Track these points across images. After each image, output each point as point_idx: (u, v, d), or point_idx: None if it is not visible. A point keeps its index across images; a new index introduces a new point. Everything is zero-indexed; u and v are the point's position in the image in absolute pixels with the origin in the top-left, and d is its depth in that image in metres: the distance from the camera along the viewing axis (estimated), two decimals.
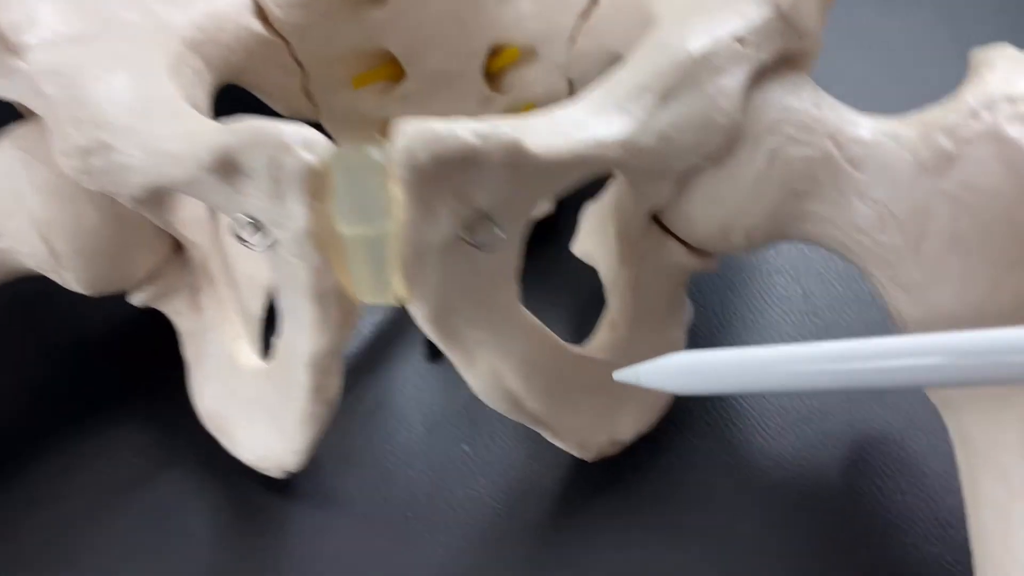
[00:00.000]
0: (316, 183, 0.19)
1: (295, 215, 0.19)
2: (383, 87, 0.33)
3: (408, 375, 0.29)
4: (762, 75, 0.22)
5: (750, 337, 0.29)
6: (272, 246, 0.20)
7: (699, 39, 0.21)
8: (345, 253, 0.20)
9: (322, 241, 0.19)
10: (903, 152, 0.21)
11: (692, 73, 0.21)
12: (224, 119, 0.21)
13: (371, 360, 0.29)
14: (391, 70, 0.33)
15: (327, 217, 0.19)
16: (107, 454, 0.27)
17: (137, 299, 0.26)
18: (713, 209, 0.23)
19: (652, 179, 0.22)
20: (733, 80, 0.21)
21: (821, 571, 0.24)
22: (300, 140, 0.19)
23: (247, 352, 0.26)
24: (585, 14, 0.29)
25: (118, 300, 0.27)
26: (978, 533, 0.21)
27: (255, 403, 0.25)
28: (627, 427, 0.25)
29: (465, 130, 0.18)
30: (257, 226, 0.20)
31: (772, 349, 0.19)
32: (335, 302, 0.20)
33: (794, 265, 0.31)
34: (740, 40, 0.21)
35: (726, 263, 0.31)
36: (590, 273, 0.30)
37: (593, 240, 0.29)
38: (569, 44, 0.31)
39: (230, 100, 0.29)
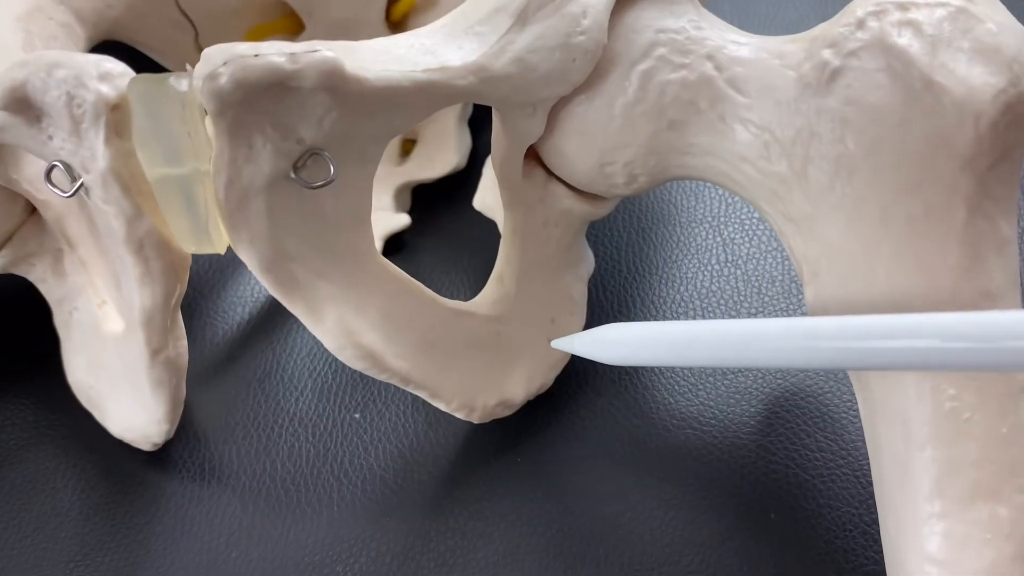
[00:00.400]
0: (117, 118, 0.17)
1: (97, 155, 0.17)
2: (281, 41, 0.31)
3: (302, 341, 0.27)
4: None
5: (664, 290, 0.27)
6: (83, 192, 0.18)
7: None
8: (157, 197, 0.18)
9: (131, 184, 0.18)
10: (787, 71, 0.19)
11: None
12: None
13: (263, 326, 0.28)
14: (288, 23, 0.31)
15: (135, 157, 0.18)
16: None
17: None
18: (587, 143, 0.21)
19: (518, 111, 0.20)
20: None
21: (731, 535, 0.22)
22: (96, 71, 0.17)
23: (114, 319, 0.24)
24: None
25: None
26: (880, 486, 0.19)
27: (119, 372, 0.23)
28: (518, 387, 0.24)
29: (274, 52, 0.16)
30: (72, 173, 0.18)
31: (714, 324, 0.18)
32: (156, 252, 0.19)
33: (715, 215, 0.29)
34: None
35: (643, 214, 0.30)
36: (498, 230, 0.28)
37: (493, 192, 0.27)
38: None
39: None
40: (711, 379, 0.25)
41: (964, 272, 0.18)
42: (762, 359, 0.17)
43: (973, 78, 0.17)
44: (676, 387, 0.25)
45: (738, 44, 0.20)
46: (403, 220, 0.29)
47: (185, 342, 0.21)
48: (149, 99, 0.17)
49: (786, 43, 0.20)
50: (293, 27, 0.31)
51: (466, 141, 0.31)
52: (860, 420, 0.24)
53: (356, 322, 0.20)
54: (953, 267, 0.18)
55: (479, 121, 0.32)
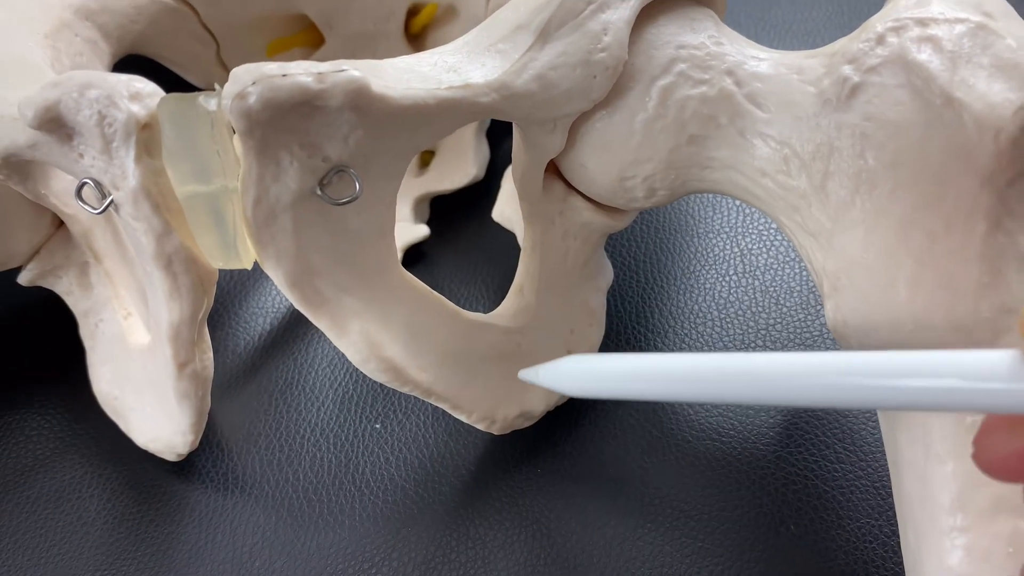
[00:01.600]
0: (147, 137, 0.17)
1: (127, 172, 0.18)
2: (301, 54, 0.32)
3: (323, 351, 0.28)
4: (655, 8, 0.20)
5: (682, 300, 0.27)
6: (112, 209, 0.18)
7: None
8: (186, 214, 0.18)
9: (160, 201, 0.18)
10: (806, 86, 0.19)
11: (571, 7, 0.19)
12: None
13: (284, 337, 0.28)
14: (308, 36, 0.32)
15: (164, 174, 0.18)
16: (0, 441, 0.26)
17: (23, 278, 0.25)
18: (607, 157, 0.21)
19: (538, 126, 0.20)
20: (618, 14, 0.19)
21: (750, 547, 0.23)
22: (127, 91, 0.17)
23: (139, 330, 0.24)
24: None
25: (9, 281, 0.26)
26: (899, 497, 0.19)
27: (144, 384, 0.24)
28: (538, 399, 0.24)
29: (302, 72, 0.17)
30: (102, 190, 0.19)
31: (672, 357, 0.18)
32: (184, 268, 0.19)
33: (733, 225, 0.29)
34: None
35: (660, 224, 0.30)
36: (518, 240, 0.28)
37: (512, 204, 0.27)
38: None
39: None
40: None
41: (984, 287, 0.18)
42: (722, 394, 0.17)
43: (993, 94, 0.17)
44: None
45: (757, 59, 0.20)
46: (422, 231, 0.30)
47: (211, 355, 0.21)
48: (179, 118, 0.17)
49: (805, 58, 0.20)
50: (313, 40, 0.32)
51: (484, 153, 0.31)
52: (879, 431, 0.24)
53: (380, 335, 0.20)
54: (973, 282, 0.18)
55: (497, 133, 0.32)
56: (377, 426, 0.26)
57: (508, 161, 0.32)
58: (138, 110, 0.17)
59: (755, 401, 0.16)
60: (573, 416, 0.25)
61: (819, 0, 0.36)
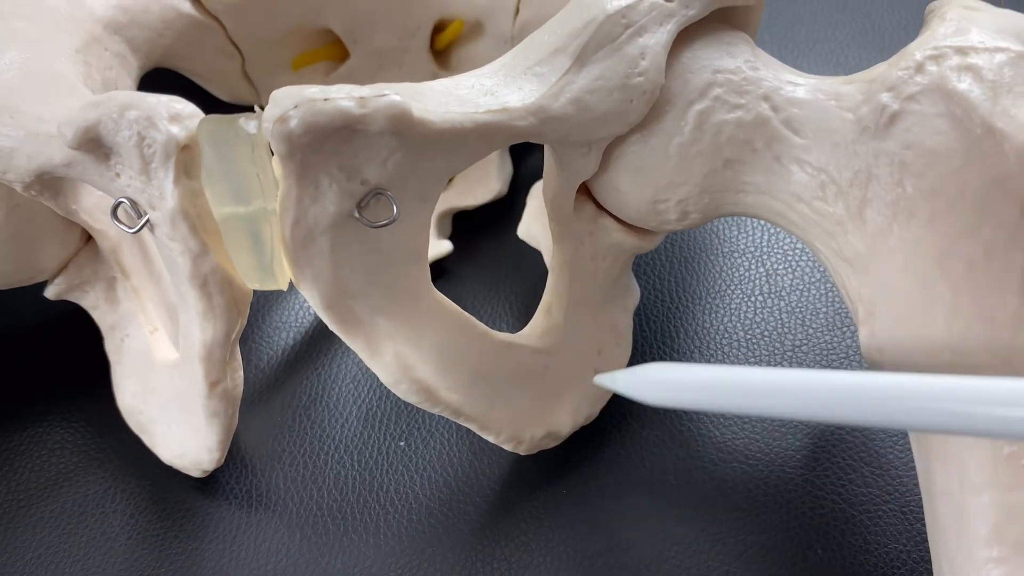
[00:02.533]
0: (187, 158, 0.17)
1: (166, 193, 0.18)
2: (326, 68, 0.32)
3: (347, 368, 0.28)
4: (691, 32, 0.20)
5: (708, 321, 0.27)
6: (148, 228, 0.18)
7: None
8: (223, 235, 0.18)
9: (198, 222, 0.18)
10: (844, 112, 0.19)
11: (608, 32, 0.19)
12: None
13: (308, 352, 0.28)
14: (333, 50, 0.32)
15: (202, 196, 0.18)
16: (24, 454, 0.26)
17: (50, 291, 0.25)
18: (641, 181, 0.21)
19: (573, 149, 0.20)
20: (656, 38, 0.19)
21: (777, 571, 0.22)
22: (167, 113, 0.17)
23: (165, 346, 0.24)
24: None
25: (36, 294, 0.26)
26: (933, 527, 0.19)
27: (170, 399, 0.23)
28: (565, 419, 0.24)
29: (343, 96, 0.17)
30: (138, 209, 0.19)
31: (756, 371, 0.17)
32: (219, 288, 0.19)
33: (758, 245, 0.29)
34: None
35: (685, 244, 0.30)
36: (542, 258, 0.28)
37: (538, 222, 0.27)
38: (514, 16, 0.29)
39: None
40: None
41: (1023, 319, 0.18)
42: (818, 411, 0.17)
43: None
44: (722, 420, 0.25)
45: (794, 85, 0.20)
46: (445, 247, 0.30)
47: (241, 373, 0.21)
48: (218, 140, 0.17)
49: (843, 84, 0.20)
50: (338, 54, 0.32)
51: (507, 168, 0.31)
52: (905, 455, 0.24)
53: (412, 357, 0.20)
54: (1012, 312, 0.18)
55: (520, 148, 0.32)
56: (402, 444, 0.26)
57: (531, 177, 0.32)
58: (178, 132, 0.17)
59: (846, 421, 0.16)
60: (599, 437, 0.25)
61: (842, 20, 0.36)
